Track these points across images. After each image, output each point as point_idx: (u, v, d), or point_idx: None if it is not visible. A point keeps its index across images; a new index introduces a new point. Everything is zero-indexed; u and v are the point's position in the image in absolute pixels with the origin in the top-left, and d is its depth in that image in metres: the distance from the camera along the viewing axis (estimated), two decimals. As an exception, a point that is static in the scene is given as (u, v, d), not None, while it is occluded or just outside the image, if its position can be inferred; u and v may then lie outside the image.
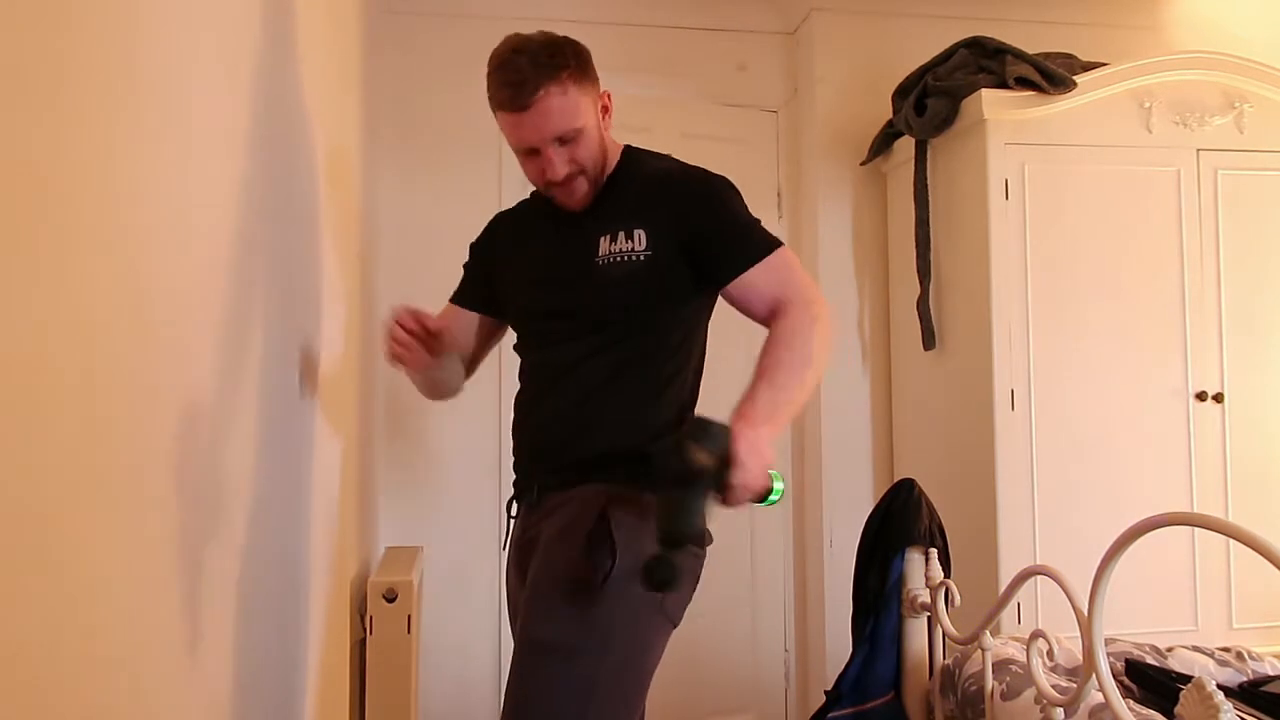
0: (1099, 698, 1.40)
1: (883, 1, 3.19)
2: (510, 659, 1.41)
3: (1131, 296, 2.67)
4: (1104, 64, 2.74)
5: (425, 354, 1.48)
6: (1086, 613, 1.35)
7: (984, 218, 2.64)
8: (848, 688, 2.06)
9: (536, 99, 1.41)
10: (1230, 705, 1.11)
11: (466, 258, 1.73)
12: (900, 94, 2.92)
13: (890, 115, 2.99)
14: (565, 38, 1.47)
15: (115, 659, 0.75)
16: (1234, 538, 1.13)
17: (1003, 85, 2.64)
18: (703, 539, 1.30)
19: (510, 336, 1.69)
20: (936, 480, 2.45)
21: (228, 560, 1.07)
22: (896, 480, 2.21)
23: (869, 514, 2.19)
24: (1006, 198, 2.64)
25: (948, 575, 2.05)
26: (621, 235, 1.48)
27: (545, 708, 1.33)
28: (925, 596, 2.04)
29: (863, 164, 3.15)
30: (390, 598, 2.14)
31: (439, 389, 1.68)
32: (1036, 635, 1.62)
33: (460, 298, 1.70)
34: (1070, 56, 2.84)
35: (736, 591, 3.17)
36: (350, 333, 2.13)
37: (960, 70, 2.73)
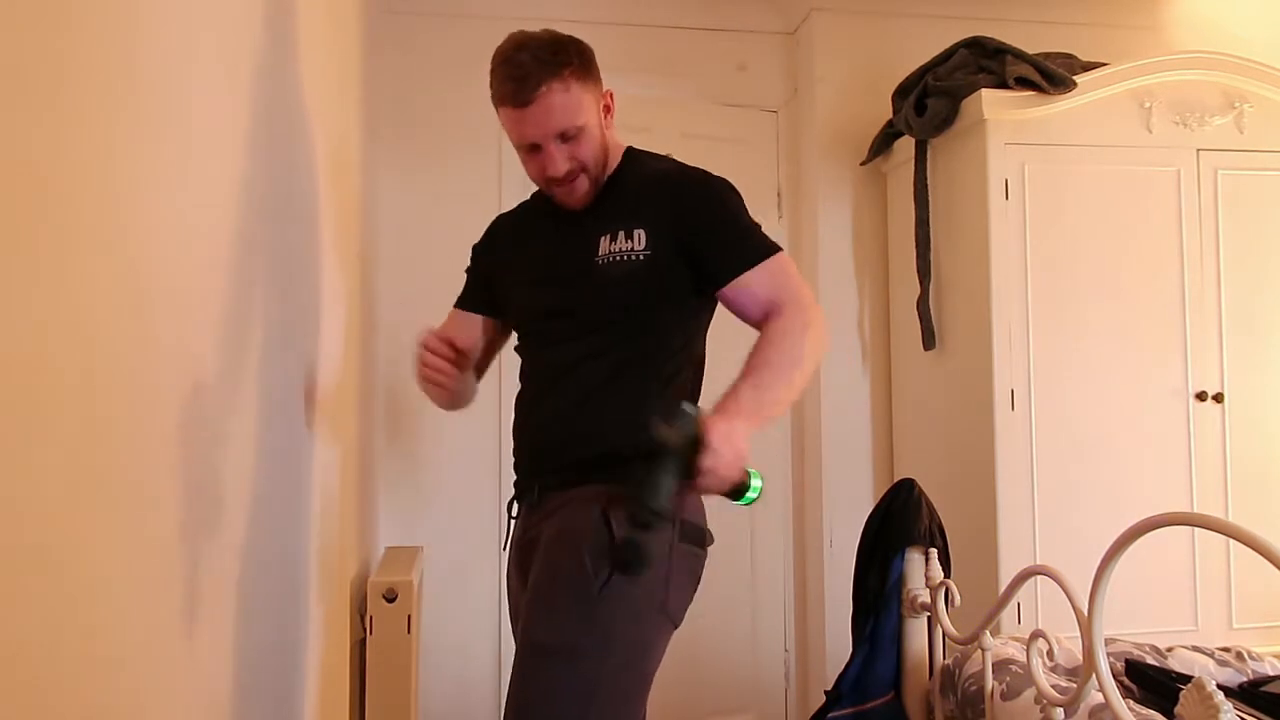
0: (1099, 698, 1.40)
1: (883, 1, 3.19)
2: (510, 660, 1.41)
3: (1131, 296, 2.67)
4: (1104, 64, 2.74)
5: (456, 374, 1.51)
6: (1086, 613, 1.35)
7: (984, 218, 2.64)
8: (848, 688, 2.07)
9: (539, 94, 1.41)
10: (1230, 705, 1.11)
11: (466, 258, 1.73)
12: (900, 94, 2.92)
13: (890, 115, 2.99)
14: (569, 36, 1.47)
15: (115, 659, 0.75)
16: (1234, 538, 1.13)
17: (1003, 85, 2.64)
18: (670, 520, 1.27)
19: (512, 338, 1.69)
20: (936, 480, 2.45)
21: (228, 560, 1.07)
22: (896, 480, 2.21)
23: (869, 514, 2.19)
24: (1006, 198, 2.64)
25: (948, 575, 2.05)
26: (621, 235, 1.48)
27: (547, 710, 1.33)
28: (925, 596, 2.04)
29: (863, 164, 3.15)
30: (390, 598, 2.14)
31: (457, 400, 1.67)
32: (1036, 635, 1.62)
33: (464, 302, 1.70)
34: (1070, 56, 2.84)
35: (736, 591, 3.17)
36: (350, 333, 2.13)
37: (960, 70, 2.73)
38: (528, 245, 1.62)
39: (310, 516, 1.60)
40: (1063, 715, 1.54)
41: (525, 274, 1.59)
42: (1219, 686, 1.14)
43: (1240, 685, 2.00)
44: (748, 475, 1.28)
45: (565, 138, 1.45)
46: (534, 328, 1.59)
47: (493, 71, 1.46)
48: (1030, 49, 2.70)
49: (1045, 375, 2.62)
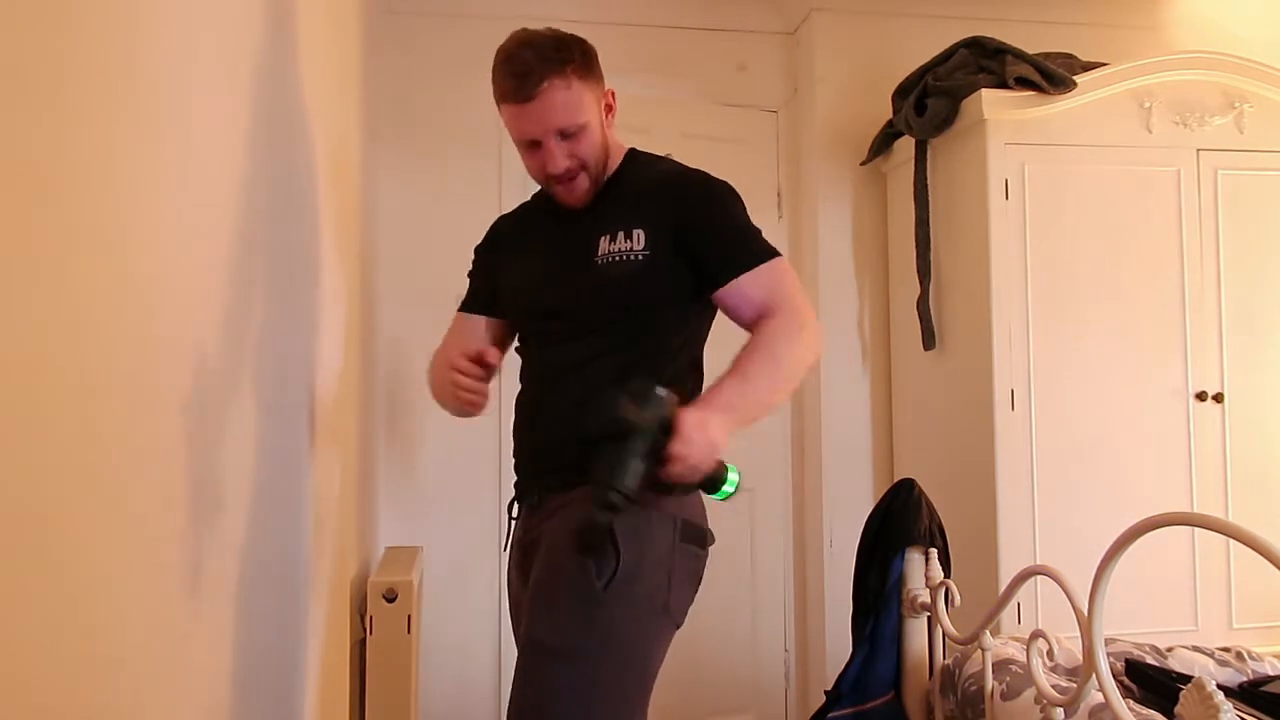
0: (1099, 698, 1.40)
1: (883, 1, 3.19)
2: (510, 660, 1.41)
3: (1131, 296, 2.67)
4: (1104, 64, 2.74)
5: (488, 389, 1.49)
6: (1086, 613, 1.35)
7: (984, 218, 2.64)
8: (848, 688, 2.07)
9: (540, 91, 1.41)
10: (1230, 705, 1.11)
11: (466, 258, 1.73)
12: (900, 94, 2.92)
13: (890, 115, 2.99)
14: (572, 35, 1.47)
15: (115, 659, 0.75)
16: (1234, 538, 1.13)
17: (1003, 85, 2.64)
18: (635, 502, 1.23)
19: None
20: (936, 480, 2.45)
21: (228, 560, 1.07)
22: (896, 480, 2.21)
23: (869, 514, 2.19)
24: (1006, 198, 2.64)
25: (948, 575, 2.05)
26: (621, 235, 1.48)
27: (549, 710, 1.33)
28: (925, 596, 2.04)
29: (863, 164, 3.15)
30: (390, 598, 2.14)
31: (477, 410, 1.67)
32: (1036, 635, 1.62)
33: (469, 305, 1.69)
34: (1070, 56, 2.84)
35: (736, 591, 3.17)
36: (350, 333, 2.13)
37: (960, 70, 2.73)
38: (528, 244, 1.62)
39: (310, 516, 1.60)
40: (1063, 715, 1.54)
41: (525, 273, 1.59)
42: (1219, 686, 1.14)
43: (1240, 685, 2.00)
44: (724, 468, 1.27)
45: (566, 135, 1.45)
46: (534, 328, 1.59)
47: (495, 68, 1.46)
48: (1030, 49, 2.70)
49: (1045, 375, 2.62)
